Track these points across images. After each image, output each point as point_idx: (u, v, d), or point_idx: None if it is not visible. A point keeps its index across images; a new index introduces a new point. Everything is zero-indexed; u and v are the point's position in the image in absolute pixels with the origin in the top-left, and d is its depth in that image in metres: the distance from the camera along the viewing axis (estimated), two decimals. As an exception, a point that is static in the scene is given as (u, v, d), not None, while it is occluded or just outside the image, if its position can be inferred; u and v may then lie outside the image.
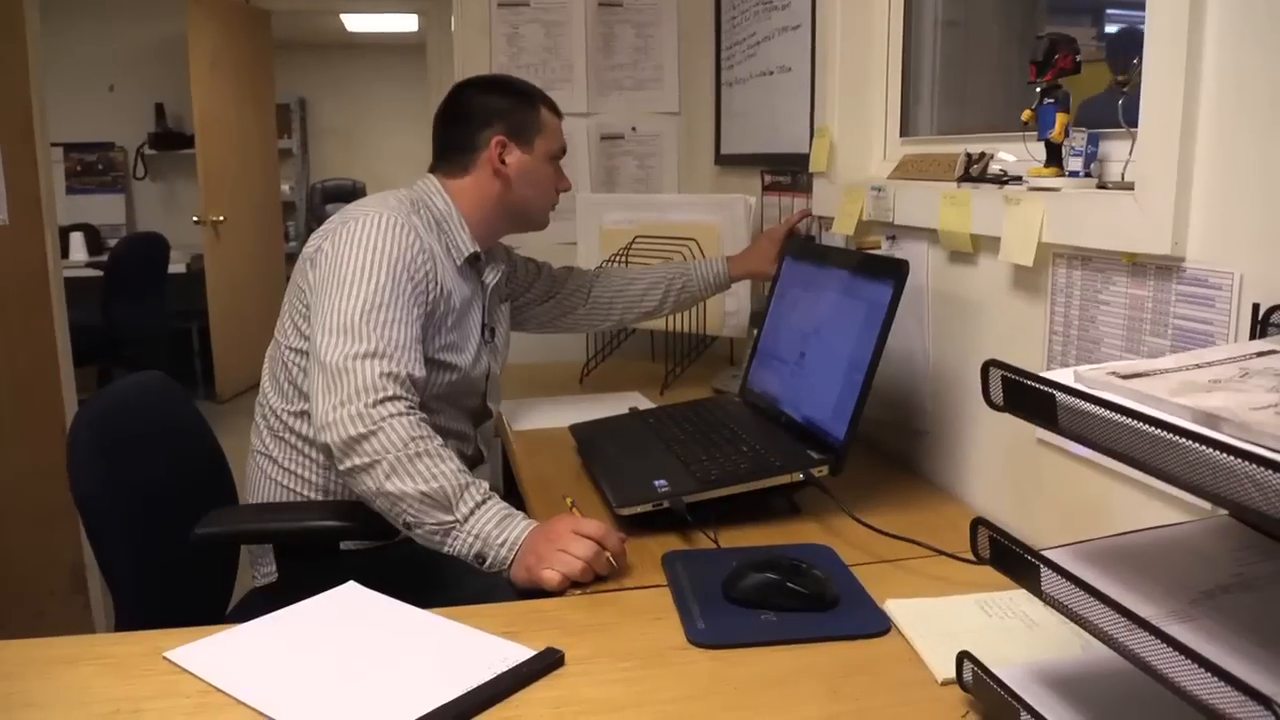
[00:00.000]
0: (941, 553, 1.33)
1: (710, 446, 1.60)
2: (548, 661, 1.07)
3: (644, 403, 2.08)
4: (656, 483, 1.47)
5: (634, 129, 2.80)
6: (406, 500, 1.36)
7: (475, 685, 1.02)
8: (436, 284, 1.62)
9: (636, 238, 2.42)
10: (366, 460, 1.38)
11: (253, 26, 5.93)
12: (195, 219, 5.57)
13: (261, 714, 0.98)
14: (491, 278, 1.83)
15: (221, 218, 5.52)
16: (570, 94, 2.76)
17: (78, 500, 1.48)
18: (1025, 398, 0.87)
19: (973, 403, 1.56)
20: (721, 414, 1.78)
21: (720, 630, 1.15)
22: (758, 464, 1.51)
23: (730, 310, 2.34)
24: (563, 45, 2.74)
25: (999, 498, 1.51)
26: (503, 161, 1.73)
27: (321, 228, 1.64)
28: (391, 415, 1.40)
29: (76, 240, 5.72)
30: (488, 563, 1.33)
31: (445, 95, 1.81)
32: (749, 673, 1.07)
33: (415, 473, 1.36)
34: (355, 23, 7.72)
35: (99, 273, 5.19)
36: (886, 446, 1.81)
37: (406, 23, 7.59)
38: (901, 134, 1.97)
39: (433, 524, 1.35)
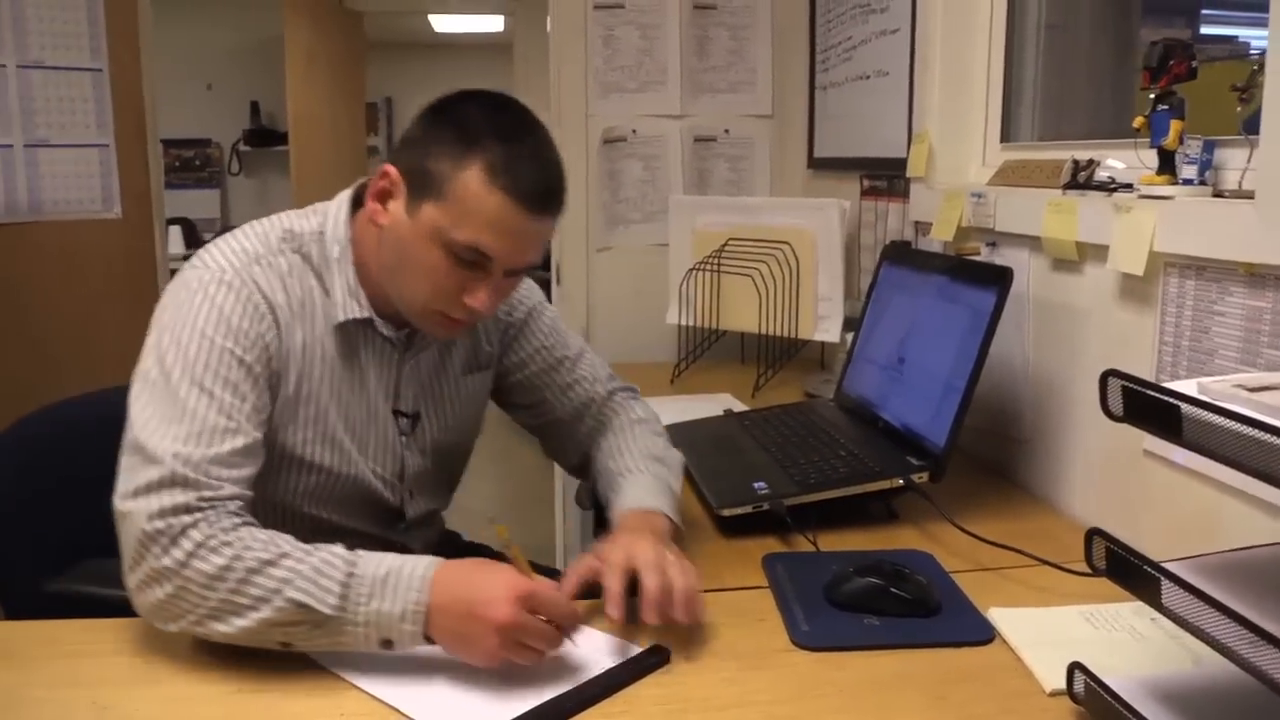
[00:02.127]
0: (1045, 562, 1.32)
1: (808, 450, 1.61)
2: (655, 659, 1.09)
3: (737, 405, 2.09)
4: (756, 485, 1.49)
5: (726, 132, 2.81)
6: (262, 631, 1.04)
7: (586, 679, 1.04)
8: (270, 363, 1.20)
9: (729, 240, 2.43)
10: (191, 620, 1.05)
11: (347, 27, 6.06)
12: (287, 215, 5.69)
13: (376, 699, 1.01)
14: (418, 350, 1.34)
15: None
16: (664, 96, 2.78)
17: None
18: (1147, 409, 0.87)
19: (1075, 412, 1.55)
20: (817, 417, 1.78)
21: (824, 633, 1.15)
22: (857, 468, 1.51)
23: (823, 314, 2.34)
24: (657, 47, 2.76)
25: (1101, 509, 1.49)
26: (382, 202, 1.22)
27: (177, 273, 1.25)
28: (189, 557, 1.03)
29: (175, 234, 5.88)
30: (396, 647, 1.05)
31: None
32: (853, 676, 1.08)
33: (249, 601, 1.03)
34: (443, 23, 7.83)
35: (195, 266, 5.35)
36: (981, 454, 1.79)
37: (493, 23, 7.68)
38: (1002, 139, 1.95)
39: (308, 630, 1.04)
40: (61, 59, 2.67)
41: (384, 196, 1.22)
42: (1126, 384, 0.89)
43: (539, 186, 1.16)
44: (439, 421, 1.40)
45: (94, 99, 2.71)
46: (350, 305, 1.25)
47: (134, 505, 1.06)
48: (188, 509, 1.06)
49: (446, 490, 1.49)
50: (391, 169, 1.21)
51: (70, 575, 1.37)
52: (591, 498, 2.20)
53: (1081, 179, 1.53)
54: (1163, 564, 0.87)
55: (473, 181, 1.14)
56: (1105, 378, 0.91)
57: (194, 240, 6.02)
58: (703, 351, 2.53)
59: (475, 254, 1.17)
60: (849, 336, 2.17)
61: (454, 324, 1.24)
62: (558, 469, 2.92)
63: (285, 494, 1.28)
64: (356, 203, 1.29)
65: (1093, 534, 0.94)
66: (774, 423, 1.79)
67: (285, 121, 5.72)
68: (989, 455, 1.78)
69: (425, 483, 1.41)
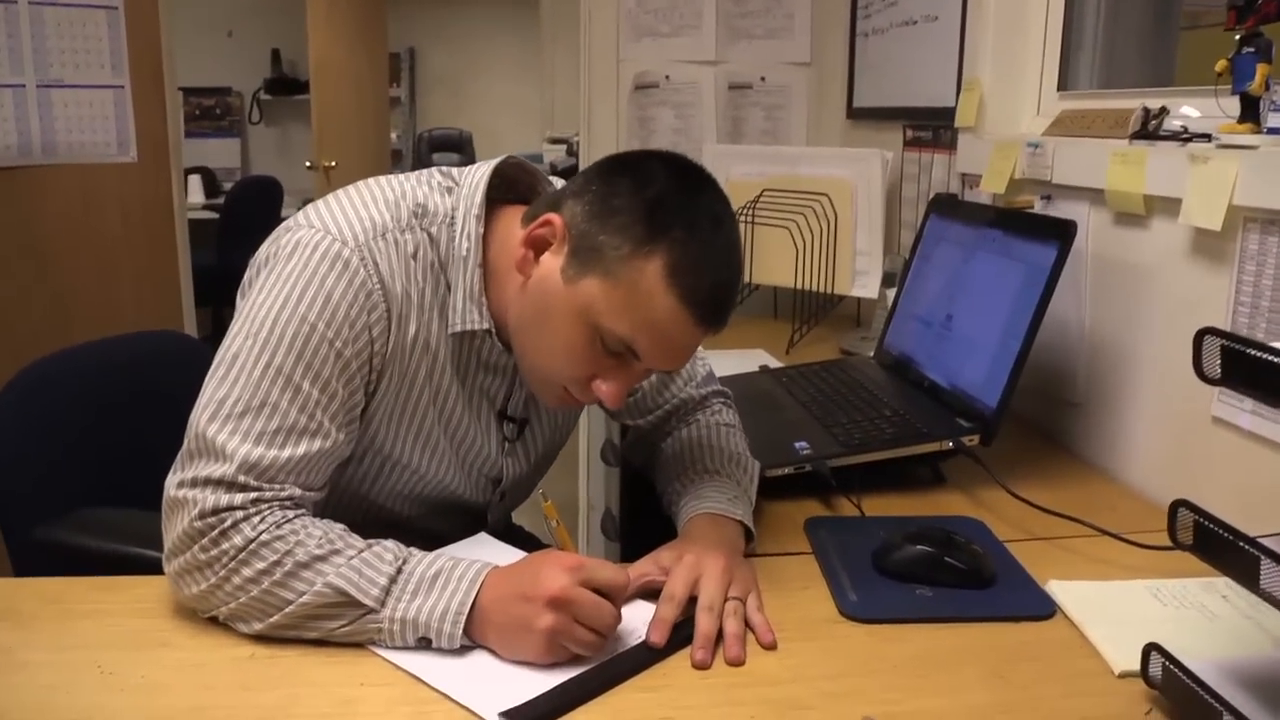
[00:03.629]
0: (1107, 533, 1.24)
1: (850, 409, 1.53)
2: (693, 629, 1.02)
3: (771, 361, 2.01)
4: (797, 444, 1.41)
5: (763, 79, 2.71)
6: (294, 622, 0.97)
7: (622, 649, 0.98)
8: (371, 359, 1.08)
9: (764, 191, 2.35)
10: (225, 614, 0.99)
11: (369, -27, 5.94)
12: (308, 164, 5.62)
13: (399, 668, 0.95)
14: None
15: (333, 163, 5.56)
16: (698, 41, 2.67)
17: None
18: (1252, 371, 0.79)
19: (1136, 375, 1.46)
20: (858, 375, 1.71)
21: (874, 604, 1.08)
22: (904, 429, 1.44)
23: (861, 270, 2.26)
24: (692, -10, 2.66)
25: (1162, 478, 1.41)
26: (536, 252, 1.08)
27: (276, 230, 1.12)
28: (237, 553, 0.97)
29: (194, 183, 5.82)
30: (436, 645, 0.97)
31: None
32: (908, 650, 1.01)
33: (289, 594, 0.96)
34: (468, -29, 7.71)
35: (215, 215, 5.29)
36: (1029, 417, 1.71)
37: (519, -29, 7.55)
38: (1059, 88, 1.85)
39: (345, 626, 0.97)
40: (75, -5, 2.59)
41: (539, 246, 1.07)
42: (1228, 344, 0.81)
43: (717, 299, 1.04)
44: (548, 424, 1.31)
45: (108, 38, 2.62)
46: (469, 314, 1.12)
47: (188, 495, 0.98)
48: (242, 507, 0.99)
49: (530, 491, 1.39)
50: (557, 221, 1.05)
51: (64, 524, 1.32)
52: (619, 456, 2.13)
53: (1151, 128, 1.44)
54: (1260, 539, 0.79)
55: (650, 275, 1.00)
56: (1201, 336, 0.83)
57: (214, 190, 5.95)
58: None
59: (624, 348, 1.04)
60: (888, 293, 2.10)
61: (570, 400, 1.12)
62: (582, 421, 2.86)
63: (364, 486, 1.19)
64: (491, 188, 1.14)
65: (1178, 505, 0.87)
66: (813, 380, 1.72)
67: (306, 70, 5.62)
68: (1038, 419, 1.70)
69: (517, 488, 1.34)
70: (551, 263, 1.06)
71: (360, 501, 1.20)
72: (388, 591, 0.97)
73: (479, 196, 1.12)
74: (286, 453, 1.01)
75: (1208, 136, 1.33)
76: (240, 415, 1.01)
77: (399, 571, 0.98)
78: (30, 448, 1.46)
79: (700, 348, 1.42)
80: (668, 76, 2.67)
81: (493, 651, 0.97)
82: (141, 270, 2.76)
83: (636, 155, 1.11)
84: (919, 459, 1.42)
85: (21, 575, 1.38)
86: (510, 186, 1.18)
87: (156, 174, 2.79)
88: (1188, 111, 1.43)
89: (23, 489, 1.44)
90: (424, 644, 0.97)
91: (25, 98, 2.52)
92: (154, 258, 2.78)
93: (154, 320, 2.69)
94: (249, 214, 5.33)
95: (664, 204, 1.02)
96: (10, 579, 1.16)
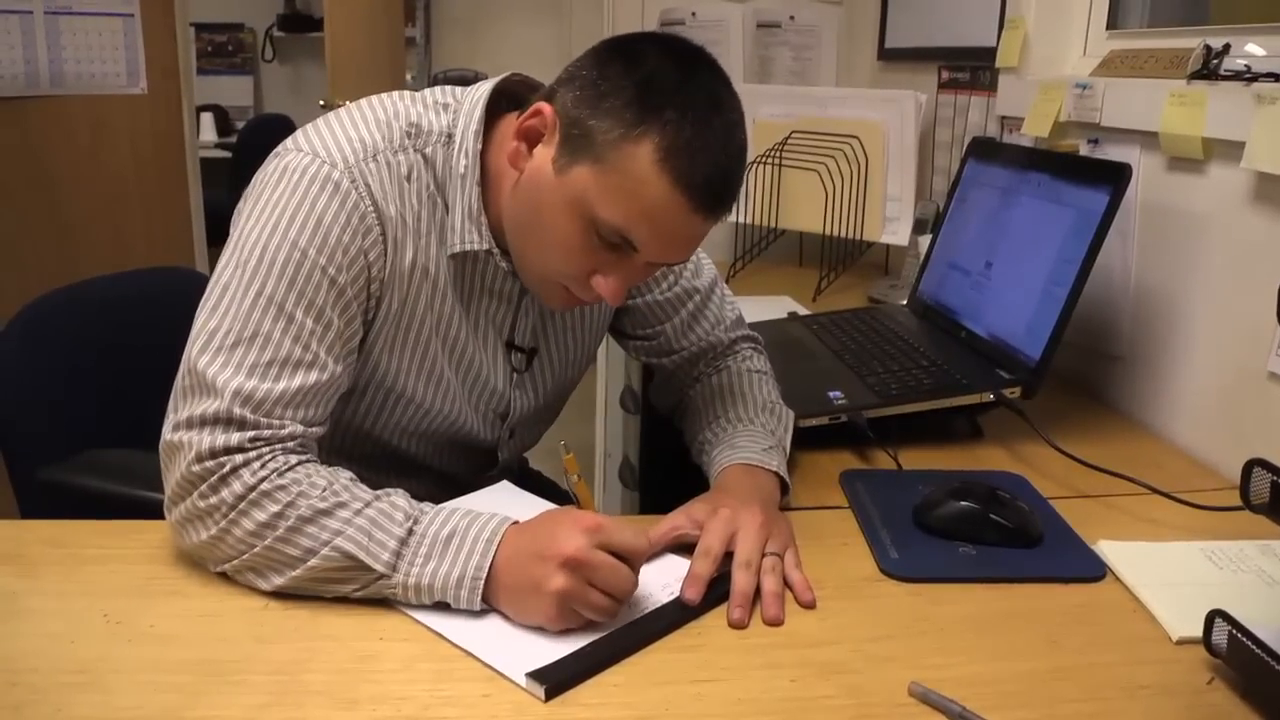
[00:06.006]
0: (1159, 492, 1.19)
1: (885, 358, 1.48)
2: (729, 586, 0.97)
3: (799, 308, 1.95)
4: (831, 394, 1.36)
5: (792, 18, 2.61)
6: (307, 585, 0.93)
7: (653, 607, 0.93)
8: (368, 285, 1.04)
9: (792, 133, 2.27)
10: (231, 568, 0.95)
11: (385, -94, 5.80)
12: (321, 103, 5.52)
13: (420, 623, 0.91)
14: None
15: (347, 103, 5.47)
16: (727, -23, 2.59)
17: None
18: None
19: (1185, 328, 1.40)
20: (891, 324, 1.65)
21: (917, 562, 1.04)
22: (942, 380, 1.38)
23: (891, 216, 2.19)
24: (720, -77, 2.56)
25: (1211, 435, 1.35)
26: (528, 144, 1.02)
27: (267, 158, 1.07)
28: (237, 501, 0.92)
29: (206, 120, 5.73)
30: (455, 607, 0.92)
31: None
32: (954, 612, 0.96)
33: (298, 553, 0.92)
34: (485, -93, 7.54)
35: (227, 154, 5.21)
36: (1068, 371, 1.65)
37: (537, -92, 7.39)
38: (1108, 26, 1.77)
39: (359, 589, 0.93)
40: (83, -81, 2.52)
41: (531, 138, 1.01)
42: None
43: (715, 183, 0.97)
44: (559, 356, 1.25)
45: (117, -37, 2.56)
46: (469, 233, 1.07)
47: (184, 437, 0.94)
48: (240, 449, 0.94)
49: (543, 431, 1.35)
50: (548, 109, 0.99)
51: (71, 465, 1.28)
52: (639, 404, 2.08)
53: (1212, 67, 1.36)
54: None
55: (641, 158, 0.94)
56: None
57: (227, 128, 5.86)
58: (760, 251, 2.39)
59: (620, 239, 0.98)
60: (919, 240, 2.03)
61: (574, 301, 1.07)
62: (600, 366, 2.81)
63: (368, 420, 1.15)
64: (493, 104, 1.08)
65: (1253, 464, 0.81)
66: (845, 328, 1.66)
67: (320, 7, 5.51)
68: (1077, 373, 1.64)
69: (527, 424, 1.28)
70: (543, 154, 1.00)
71: (366, 437, 1.16)
72: (399, 555, 0.91)
73: (478, 112, 1.07)
74: (281, 385, 0.97)
75: (1275, 76, 1.26)
76: (232, 347, 0.96)
77: (410, 533, 0.92)
78: (37, 384, 1.42)
79: (729, 291, 1.38)
80: (694, 13, 2.57)
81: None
82: (152, 205, 2.71)
83: (631, 38, 1.03)
84: (956, 411, 1.37)
85: (28, 518, 1.34)
86: (515, 102, 1.11)
87: (167, 107, 2.73)
88: (1252, 49, 1.35)
89: (30, 427, 1.40)
90: (442, 606, 0.92)
91: (33, 24, 2.45)
92: (165, 192, 2.72)
93: (164, 256, 2.64)
94: (262, 153, 5.01)
95: (656, 84, 0.95)
96: (15, 521, 1.12)
